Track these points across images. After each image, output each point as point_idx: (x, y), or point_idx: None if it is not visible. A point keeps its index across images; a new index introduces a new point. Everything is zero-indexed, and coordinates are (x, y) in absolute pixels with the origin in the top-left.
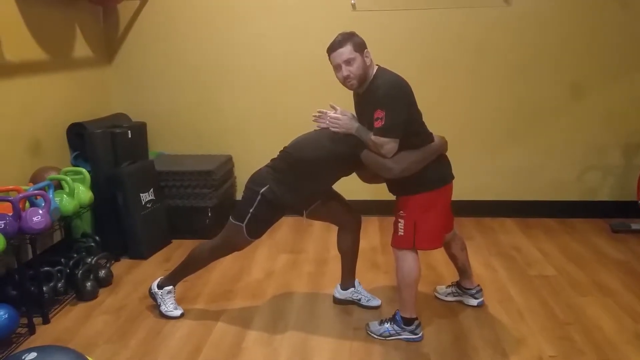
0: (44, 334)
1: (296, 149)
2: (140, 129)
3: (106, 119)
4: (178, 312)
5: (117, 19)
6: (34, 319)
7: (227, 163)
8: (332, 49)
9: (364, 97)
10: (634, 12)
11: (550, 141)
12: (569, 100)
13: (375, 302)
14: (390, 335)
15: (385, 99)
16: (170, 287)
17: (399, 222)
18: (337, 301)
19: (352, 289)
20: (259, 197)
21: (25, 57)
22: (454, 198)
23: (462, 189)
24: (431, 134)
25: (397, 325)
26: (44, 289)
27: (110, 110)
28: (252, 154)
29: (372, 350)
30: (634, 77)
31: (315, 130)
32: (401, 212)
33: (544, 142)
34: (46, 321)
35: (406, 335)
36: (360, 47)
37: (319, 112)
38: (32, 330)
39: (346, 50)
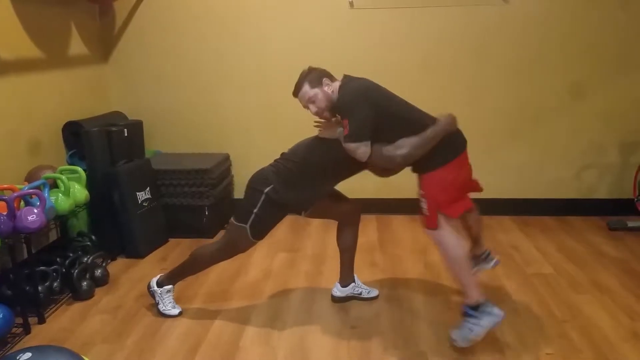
0: (40, 334)
1: (299, 151)
2: (136, 128)
3: (102, 117)
4: (176, 311)
5: (114, 16)
6: (30, 319)
7: (224, 162)
8: (294, 94)
9: (336, 112)
10: (633, 12)
11: (549, 140)
12: (567, 99)
13: (374, 292)
14: (476, 331)
15: (344, 109)
16: (170, 286)
17: (422, 201)
18: (336, 300)
19: (353, 284)
20: (263, 196)
21: (20, 55)
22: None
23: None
24: (432, 117)
25: (472, 317)
26: (40, 288)
27: (106, 108)
28: (250, 152)
29: (370, 348)
30: (633, 76)
31: (316, 135)
32: (421, 191)
33: (542, 141)
34: (42, 321)
35: (488, 320)
36: (317, 81)
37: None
38: (27, 330)
39: (305, 92)
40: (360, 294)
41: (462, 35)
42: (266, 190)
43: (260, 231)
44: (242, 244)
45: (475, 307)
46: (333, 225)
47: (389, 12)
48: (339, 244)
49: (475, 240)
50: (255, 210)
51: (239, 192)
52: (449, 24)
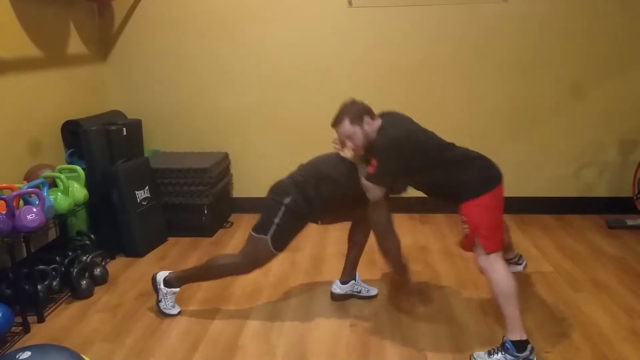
0: (39, 333)
1: (317, 165)
2: (135, 127)
3: (101, 116)
4: (176, 311)
5: (112, 15)
6: (29, 318)
7: (224, 160)
8: (333, 125)
9: (370, 150)
10: (632, 12)
11: (548, 138)
12: (566, 97)
13: (374, 291)
14: None
15: (377, 152)
16: (177, 289)
17: (464, 227)
18: (335, 297)
19: (353, 281)
20: (283, 207)
21: (19, 54)
22: None
23: None
24: (478, 155)
25: (509, 354)
26: (39, 287)
27: (105, 107)
28: (248, 151)
29: (369, 346)
30: (631, 75)
31: (334, 152)
32: (463, 216)
33: (541, 139)
34: (41, 320)
35: None
36: (358, 117)
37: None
38: (26, 329)
39: (344, 128)
40: (360, 292)
41: (462, 34)
42: (285, 201)
43: (281, 242)
44: (263, 255)
45: (520, 346)
46: (332, 225)
47: (387, 10)
48: (349, 240)
49: (505, 247)
50: (276, 221)
51: (237, 191)
52: (448, 22)
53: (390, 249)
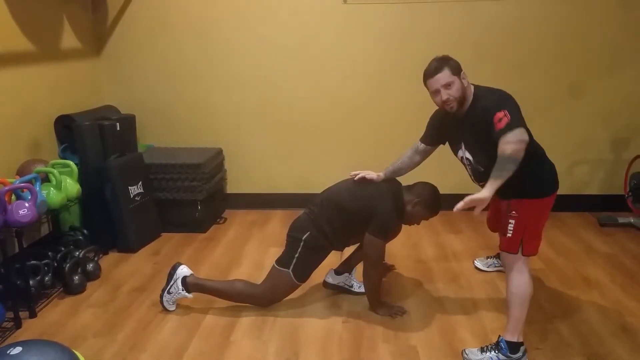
0: (31, 328)
1: (328, 199)
2: (129, 122)
3: (95, 111)
4: (173, 307)
5: (106, 9)
6: (21, 313)
7: (217, 156)
8: (429, 75)
9: (469, 117)
10: (626, 12)
11: (540, 136)
12: (559, 95)
13: None
14: None
15: (499, 102)
16: (190, 295)
17: (510, 223)
18: (327, 286)
19: (347, 274)
20: (302, 242)
21: (11, 48)
22: (444, 192)
23: (452, 183)
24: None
25: (502, 354)
26: (31, 282)
27: (99, 102)
28: (243, 147)
29: (361, 342)
30: (624, 73)
31: (347, 180)
32: (513, 212)
33: (534, 137)
34: (33, 315)
35: None
36: (457, 70)
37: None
38: (18, 324)
39: (444, 75)
40: (352, 286)
41: (457, 31)
42: (304, 237)
43: (302, 273)
44: (285, 287)
45: (514, 347)
46: None
47: (382, 7)
48: (360, 245)
49: None
50: (296, 255)
51: (231, 187)
52: (444, 20)
53: (371, 279)
